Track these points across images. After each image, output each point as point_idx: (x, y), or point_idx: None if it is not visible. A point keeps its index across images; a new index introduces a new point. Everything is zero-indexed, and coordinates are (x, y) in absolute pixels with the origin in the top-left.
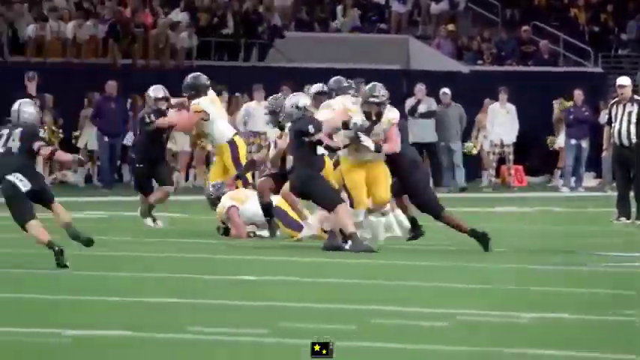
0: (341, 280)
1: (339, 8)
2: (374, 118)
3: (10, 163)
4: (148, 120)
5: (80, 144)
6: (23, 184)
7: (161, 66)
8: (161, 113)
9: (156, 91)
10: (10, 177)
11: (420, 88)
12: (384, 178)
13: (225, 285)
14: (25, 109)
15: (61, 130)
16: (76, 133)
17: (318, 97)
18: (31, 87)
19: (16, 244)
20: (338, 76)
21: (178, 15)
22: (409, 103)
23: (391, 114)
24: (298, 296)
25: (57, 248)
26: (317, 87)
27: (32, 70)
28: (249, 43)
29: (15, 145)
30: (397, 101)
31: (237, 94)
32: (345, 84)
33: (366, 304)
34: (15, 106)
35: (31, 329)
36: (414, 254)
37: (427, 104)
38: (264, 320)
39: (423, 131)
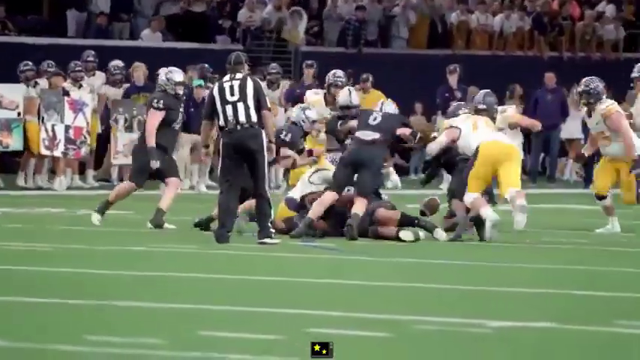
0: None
1: None
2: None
3: None
4: (155, 105)
5: None
6: None
7: (587, 58)
8: (177, 99)
9: (176, 73)
10: None
11: None
12: None
13: None
14: None
15: None
16: None
17: None
18: (452, 79)
19: None
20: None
21: (605, 7)
22: None
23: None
24: None
25: None
26: None
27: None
28: None
29: None
30: None
31: None
32: None
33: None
34: None
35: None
36: None
37: None
38: None
39: None
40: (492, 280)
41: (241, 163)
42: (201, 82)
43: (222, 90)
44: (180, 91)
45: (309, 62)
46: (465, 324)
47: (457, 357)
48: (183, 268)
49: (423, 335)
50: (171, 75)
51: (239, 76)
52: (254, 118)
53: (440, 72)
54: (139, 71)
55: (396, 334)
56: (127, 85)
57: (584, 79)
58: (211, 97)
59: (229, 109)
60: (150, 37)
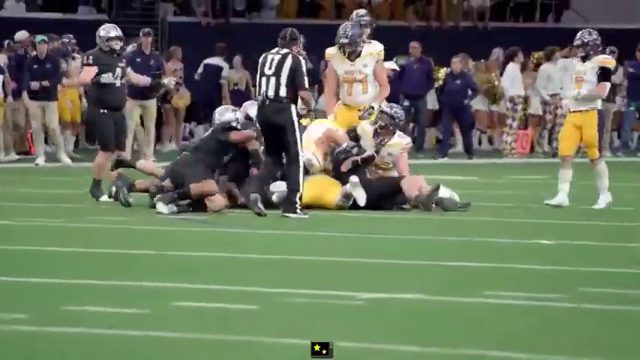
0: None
1: None
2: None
3: None
4: (85, 61)
5: None
6: None
7: (455, 28)
8: (113, 54)
9: (107, 29)
10: None
11: None
12: None
13: None
14: None
15: None
16: None
17: None
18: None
19: None
20: None
21: None
22: None
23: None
24: None
25: None
26: None
27: (325, 32)
28: (546, 4)
29: None
30: None
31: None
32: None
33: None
34: None
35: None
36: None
37: None
38: None
39: None
40: (362, 251)
41: (272, 139)
42: (45, 37)
43: (263, 62)
44: (117, 47)
45: (146, 30)
46: (335, 296)
47: (326, 329)
48: (47, 243)
49: (292, 307)
50: (103, 32)
51: (284, 51)
52: (282, 93)
53: (309, 42)
54: None
55: (264, 306)
56: None
57: None
58: (257, 67)
59: (264, 81)
60: (14, 7)
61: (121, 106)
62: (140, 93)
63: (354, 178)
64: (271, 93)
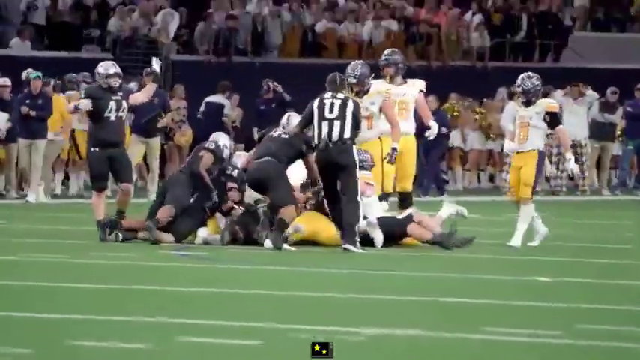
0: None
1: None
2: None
3: None
4: (82, 95)
5: None
6: None
7: (455, 67)
8: (111, 91)
9: (106, 67)
10: None
11: None
12: None
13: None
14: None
15: None
16: None
17: None
18: None
19: None
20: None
21: (471, 17)
22: None
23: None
24: None
25: None
26: None
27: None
28: (545, 44)
29: None
30: None
31: None
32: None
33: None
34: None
35: None
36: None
37: None
38: None
39: None
40: (363, 287)
41: (332, 179)
42: (39, 73)
43: (321, 106)
44: (116, 83)
45: (149, 70)
46: (337, 332)
47: None
48: (51, 278)
49: (294, 343)
50: (102, 69)
51: (341, 95)
52: (347, 135)
53: (309, 80)
54: None
55: (268, 342)
56: None
57: None
58: (310, 111)
59: (325, 125)
60: (19, 46)
61: (116, 141)
62: (144, 130)
63: (372, 219)
64: (336, 136)
